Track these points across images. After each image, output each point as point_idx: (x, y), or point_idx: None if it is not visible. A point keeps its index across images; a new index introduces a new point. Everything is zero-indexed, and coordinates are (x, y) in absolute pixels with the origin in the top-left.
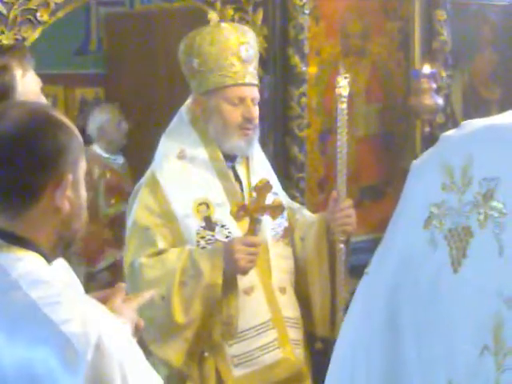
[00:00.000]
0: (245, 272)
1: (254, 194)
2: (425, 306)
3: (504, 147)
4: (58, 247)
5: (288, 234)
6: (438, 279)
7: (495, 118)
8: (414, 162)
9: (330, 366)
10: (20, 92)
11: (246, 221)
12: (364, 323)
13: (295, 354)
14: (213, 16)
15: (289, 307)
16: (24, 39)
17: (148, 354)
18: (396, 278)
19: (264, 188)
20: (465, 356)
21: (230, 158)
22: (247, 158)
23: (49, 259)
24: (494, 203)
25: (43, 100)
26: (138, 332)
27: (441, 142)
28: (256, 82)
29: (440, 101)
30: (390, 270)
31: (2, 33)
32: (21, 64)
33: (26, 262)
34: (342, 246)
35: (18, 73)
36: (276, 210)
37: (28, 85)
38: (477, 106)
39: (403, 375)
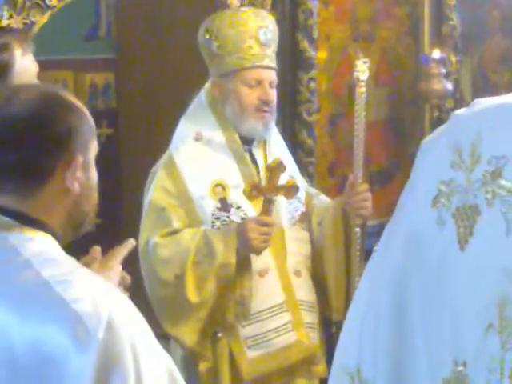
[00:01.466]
0: (258, 252)
1: (268, 174)
2: (432, 284)
3: None
4: (69, 229)
5: (305, 218)
6: (445, 257)
7: (505, 97)
8: (424, 139)
9: (338, 341)
10: (17, 72)
11: (261, 202)
12: (371, 303)
13: (309, 337)
14: (233, 0)
15: (303, 290)
16: (33, 23)
17: (163, 336)
18: (403, 256)
19: (277, 168)
20: (470, 335)
21: (247, 142)
22: (264, 142)
23: (59, 240)
24: (502, 182)
25: None
26: (126, 286)
27: (451, 121)
28: (274, 65)
29: (449, 85)
30: (397, 248)
31: (11, 17)
32: (21, 45)
33: (37, 243)
34: (357, 229)
35: (17, 53)
36: (290, 190)
37: (25, 67)
38: (486, 91)
39: (409, 353)
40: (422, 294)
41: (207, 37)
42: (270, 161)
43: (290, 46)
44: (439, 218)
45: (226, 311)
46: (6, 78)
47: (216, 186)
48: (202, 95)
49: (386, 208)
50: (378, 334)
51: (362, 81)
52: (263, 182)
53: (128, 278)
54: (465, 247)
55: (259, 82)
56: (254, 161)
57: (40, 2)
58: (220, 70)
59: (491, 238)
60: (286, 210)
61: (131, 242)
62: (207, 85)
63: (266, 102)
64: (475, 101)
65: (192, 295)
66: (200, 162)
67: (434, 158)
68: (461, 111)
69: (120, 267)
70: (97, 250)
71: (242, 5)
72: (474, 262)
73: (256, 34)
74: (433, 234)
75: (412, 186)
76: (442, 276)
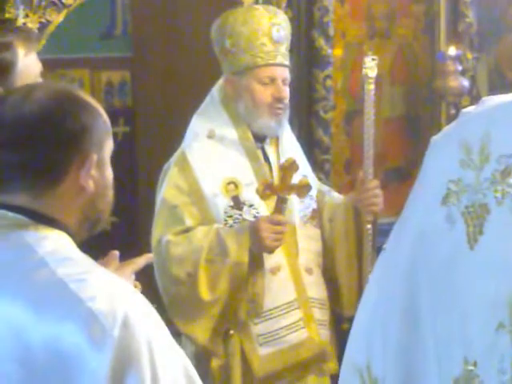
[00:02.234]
0: (271, 251)
1: (281, 174)
2: (441, 283)
3: None
4: (84, 227)
5: (316, 215)
6: (455, 256)
7: None
8: (433, 137)
9: (348, 341)
10: (20, 71)
11: (274, 200)
12: (381, 301)
13: (320, 334)
14: None
15: (315, 288)
16: (49, 22)
17: (176, 332)
18: (413, 255)
19: (290, 167)
20: (480, 334)
21: (260, 139)
22: (277, 139)
23: (75, 238)
24: None
25: None
26: None
27: (460, 119)
28: (287, 62)
29: (465, 83)
30: (406, 247)
31: (27, 16)
32: (25, 45)
33: (52, 240)
34: (369, 226)
35: (20, 52)
36: (303, 189)
37: (28, 65)
38: (502, 88)
39: (420, 351)
40: (432, 292)
41: (220, 34)
42: (282, 158)
43: (306, 44)
44: (448, 217)
45: (238, 309)
46: (8, 76)
47: (228, 183)
48: (215, 92)
49: (402, 206)
50: (387, 332)
51: (371, 78)
52: (275, 180)
53: (139, 288)
54: (474, 246)
55: (272, 80)
56: (267, 158)
57: (56, 1)
58: (233, 68)
59: (501, 236)
60: (298, 207)
61: (150, 257)
62: (220, 81)
63: (279, 100)
64: (484, 98)
65: (205, 293)
66: (213, 159)
67: (443, 156)
68: (470, 109)
69: (133, 276)
70: (115, 254)
71: (256, 2)
72: (484, 260)
73: (269, 31)
74: (442, 232)
75: (421, 184)
76: (452, 274)
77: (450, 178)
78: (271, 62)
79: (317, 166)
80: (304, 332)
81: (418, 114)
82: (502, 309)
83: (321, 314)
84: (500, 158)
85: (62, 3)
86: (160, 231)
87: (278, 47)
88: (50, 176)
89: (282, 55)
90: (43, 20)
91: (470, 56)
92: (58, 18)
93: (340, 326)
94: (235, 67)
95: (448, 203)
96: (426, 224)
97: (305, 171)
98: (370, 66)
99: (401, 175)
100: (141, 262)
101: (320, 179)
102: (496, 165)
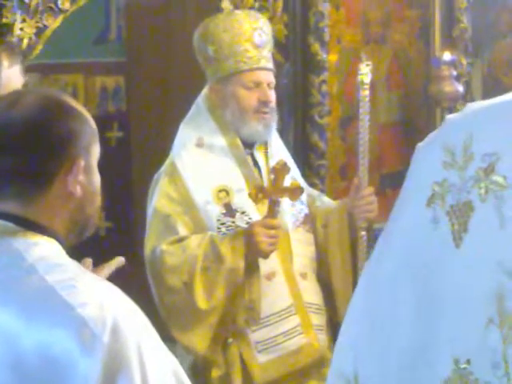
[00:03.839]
0: (266, 255)
1: (272, 176)
2: (428, 285)
3: (503, 123)
4: (73, 232)
5: (308, 220)
6: (441, 256)
7: (496, 98)
8: (418, 144)
9: (335, 346)
10: (1, 82)
11: (265, 205)
12: (367, 307)
13: (319, 339)
14: (225, 4)
15: (310, 293)
16: (45, 27)
17: (172, 342)
18: (399, 261)
19: (282, 170)
20: (471, 331)
21: (249, 145)
22: (265, 145)
23: (63, 244)
24: (495, 177)
25: None
26: None
27: (444, 125)
28: (271, 66)
29: (460, 88)
30: (393, 254)
31: (24, 21)
32: (9, 57)
33: (41, 247)
34: (363, 233)
35: (4, 63)
36: (295, 191)
37: (11, 77)
38: (496, 93)
39: (404, 358)
40: (418, 296)
41: (202, 42)
42: (271, 163)
43: (302, 49)
44: (433, 217)
45: (236, 316)
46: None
47: (220, 191)
48: (200, 101)
49: None
50: (374, 341)
51: (366, 84)
52: (265, 184)
53: None
54: (460, 244)
55: (257, 84)
56: (256, 163)
57: (53, 6)
58: (217, 75)
59: (485, 232)
60: (289, 212)
61: (121, 260)
62: (205, 90)
63: (265, 103)
64: (467, 105)
65: (201, 302)
66: (203, 167)
67: (427, 160)
68: (453, 115)
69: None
70: (88, 261)
71: (252, 8)
72: (470, 258)
73: (251, 36)
74: (428, 233)
75: (407, 190)
76: (439, 275)
77: (434, 180)
78: (255, 66)
79: (312, 170)
80: (302, 338)
81: (413, 119)
82: (489, 305)
83: (318, 319)
84: (484, 157)
85: (58, 8)
86: (153, 242)
87: (260, 51)
88: (38, 182)
89: (265, 59)
90: (40, 25)
91: (464, 61)
92: (54, 23)
93: (337, 330)
94: (219, 74)
95: (433, 204)
96: (412, 228)
97: (294, 175)
98: (365, 72)
99: (396, 180)
100: (113, 265)
101: (316, 184)
102: (480, 163)
